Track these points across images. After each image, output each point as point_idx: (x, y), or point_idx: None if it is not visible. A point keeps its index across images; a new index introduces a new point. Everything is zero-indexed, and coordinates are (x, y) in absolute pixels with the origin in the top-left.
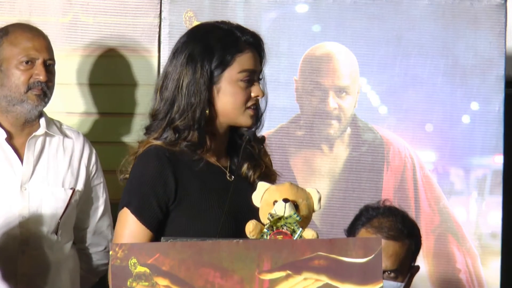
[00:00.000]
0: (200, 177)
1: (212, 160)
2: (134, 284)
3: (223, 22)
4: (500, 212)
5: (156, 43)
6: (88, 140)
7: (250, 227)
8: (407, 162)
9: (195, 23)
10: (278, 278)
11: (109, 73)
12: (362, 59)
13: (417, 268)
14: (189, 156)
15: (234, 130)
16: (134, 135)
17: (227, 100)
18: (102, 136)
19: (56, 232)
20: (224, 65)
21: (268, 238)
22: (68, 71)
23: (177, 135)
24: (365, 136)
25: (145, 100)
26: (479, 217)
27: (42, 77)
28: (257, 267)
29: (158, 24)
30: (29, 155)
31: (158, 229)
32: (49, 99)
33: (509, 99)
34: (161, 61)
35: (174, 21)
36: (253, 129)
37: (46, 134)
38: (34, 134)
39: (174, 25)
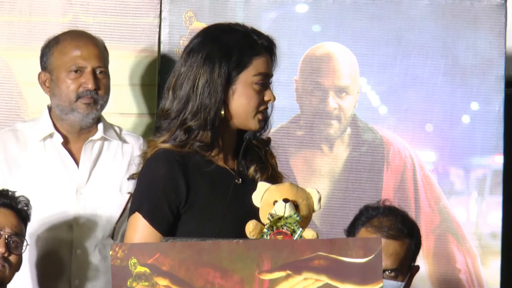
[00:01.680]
0: (209, 180)
1: (221, 163)
2: (134, 284)
3: (237, 24)
4: (500, 212)
5: (156, 43)
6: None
7: (250, 227)
8: (407, 162)
9: (195, 23)
10: (278, 278)
11: (109, 73)
12: (362, 59)
13: (417, 268)
14: (199, 158)
15: (241, 132)
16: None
17: (241, 102)
18: None
19: (112, 236)
20: (241, 67)
21: (268, 238)
22: None
23: (187, 135)
24: (365, 136)
25: (144, 100)
26: (479, 217)
27: (90, 85)
28: (257, 267)
29: (158, 24)
30: (85, 159)
31: (169, 232)
32: (102, 106)
33: (509, 99)
34: (161, 61)
35: (174, 21)
36: (255, 130)
37: (103, 139)
38: (90, 138)
39: (174, 25)
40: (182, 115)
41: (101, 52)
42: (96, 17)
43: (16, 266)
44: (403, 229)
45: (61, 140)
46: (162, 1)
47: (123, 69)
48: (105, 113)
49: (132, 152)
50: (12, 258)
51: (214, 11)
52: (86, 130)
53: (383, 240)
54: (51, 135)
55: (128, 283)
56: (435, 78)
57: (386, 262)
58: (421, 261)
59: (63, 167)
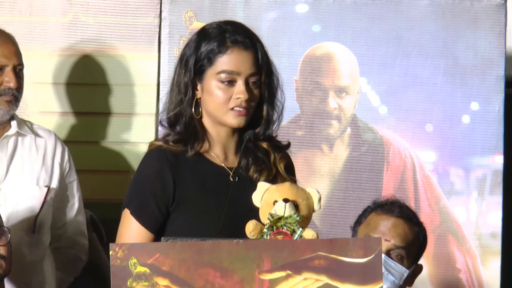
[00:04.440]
0: (201, 178)
1: (217, 160)
2: (134, 284)
3: (219, 22)
4: (500, 212)
5: (156, 43)
6: (61, 138)
7: (250, 227)
8: (407, 162)
9: (195, 23)
10: (278, 278)
11: (109, 73)
12: (362, 59)
13: (420, 267)
14: (193, 156)
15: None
16: (135, 135)
17: (209, 99)
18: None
19: (33, 231)
20: (207, 65)
21: (268, 238)
22: (69, 70)
23: (171, 132)
24: (365, 136)
25: (144, 100)
26: (479, 217)
27: (12, 84)
28: (257, 267)
29: (158, 24)
30: (2, 155)
31: (159, 230)
32: (19, 102)
33: (509, 99)
34: (161, 61)
35: (174, 21)
36: (255, 129)
37: (18, 134)
38: (5, 134)
39: (174, 25)
40: (168, 113)
41: (19, 50)
42: (96, 17)
43: (8, 256)
44: (412, 217)
45: None
46: (162, 1)
47: (123, 69)
48: (105, 113)
49: (45, 145)
50: (1, 250)
51: (214, 11)
52: (2, 126)
53: (393, 220)
54: None
55: (128, 283)
56: (435, 78)
57: (395, 240)
58: (421, 261)
59: None
